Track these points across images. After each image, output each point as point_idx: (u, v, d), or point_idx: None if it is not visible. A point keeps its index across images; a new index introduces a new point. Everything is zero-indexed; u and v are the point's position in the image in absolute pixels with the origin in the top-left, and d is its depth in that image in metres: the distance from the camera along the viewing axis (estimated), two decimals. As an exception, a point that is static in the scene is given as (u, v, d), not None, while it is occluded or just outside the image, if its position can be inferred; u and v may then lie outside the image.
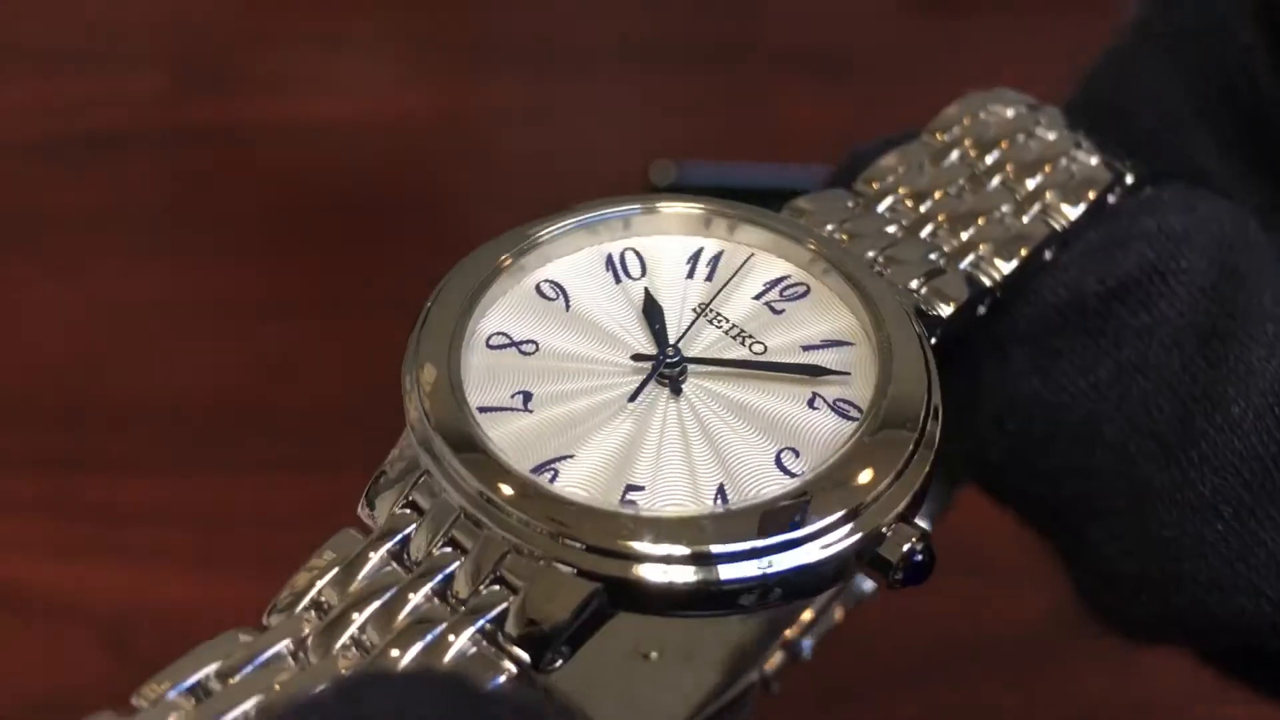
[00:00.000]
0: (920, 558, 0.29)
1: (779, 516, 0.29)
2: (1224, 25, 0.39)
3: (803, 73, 0.72)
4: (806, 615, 0.39)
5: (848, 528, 0.29)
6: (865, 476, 0.30)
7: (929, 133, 0.38)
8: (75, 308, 0.61)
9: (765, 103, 0.71)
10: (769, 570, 0.29)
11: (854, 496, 0.29)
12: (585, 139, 0.69)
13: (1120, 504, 0.35)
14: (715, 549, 0.29)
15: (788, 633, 0.39)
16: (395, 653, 0.28)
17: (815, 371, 0.32)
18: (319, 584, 0.29)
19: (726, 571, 0.29)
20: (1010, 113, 0.38)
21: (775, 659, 0.38)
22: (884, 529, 0.29)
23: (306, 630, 0.29)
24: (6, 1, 0.73)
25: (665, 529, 0.29)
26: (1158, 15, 0.40)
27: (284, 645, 0.28)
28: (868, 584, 0.39)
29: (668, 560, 0.29)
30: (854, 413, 0.32)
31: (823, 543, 0.29)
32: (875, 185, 0.37)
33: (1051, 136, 0.38)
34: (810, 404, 0.32)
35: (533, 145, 0.69)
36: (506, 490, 0.29)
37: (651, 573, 0.28)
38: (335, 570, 0.29)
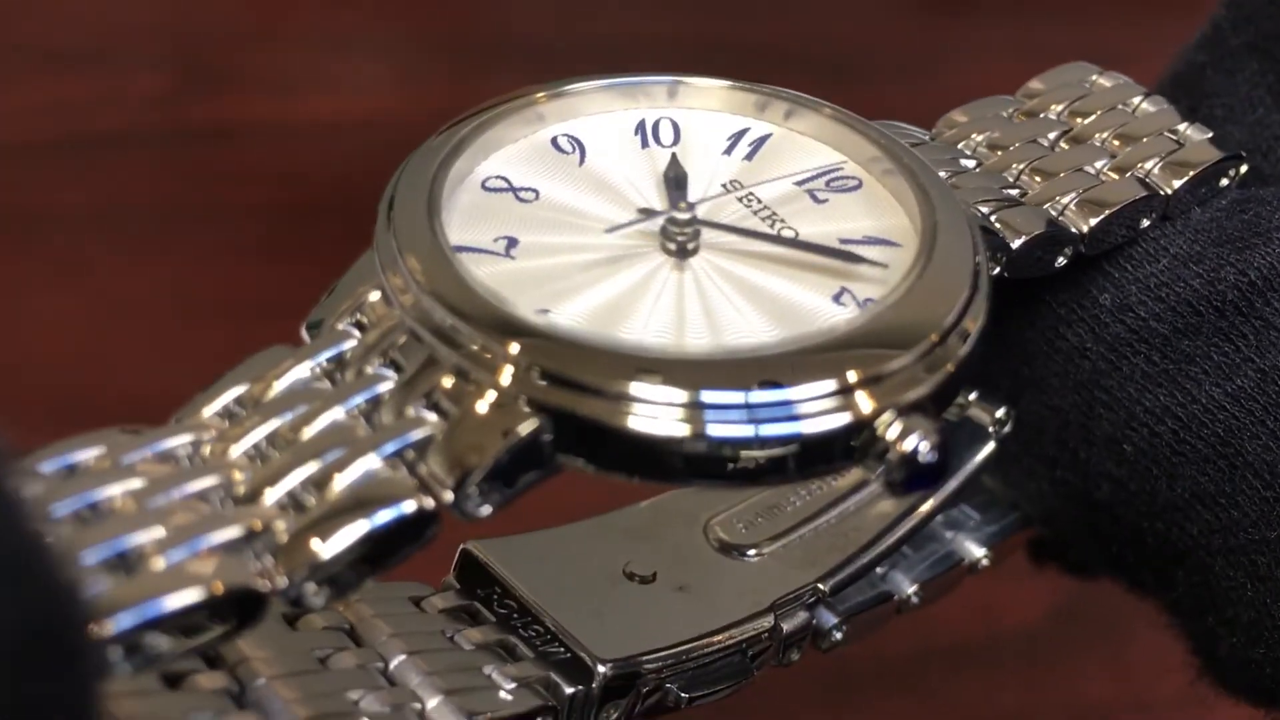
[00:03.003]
0: (928, 458, 0.26)
1: (770, 372, 0.26)
2: None
3: (803, 73, 0.72)
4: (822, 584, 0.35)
5: (839, 399, 0.26)
6: (868, 356, 0.26)
7: (1020, 95, 0.36)
8: (75, 307, 0.61)
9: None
10: (758, 434, 0.25)
11: (847, 369, 0.26)
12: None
13: (1268, 535, 0.31)
14: (706, 396, 0.25)
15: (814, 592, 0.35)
16: (295, 470, 0.25)
17: (849, 259, 0.29)
18: (233, 391, 0.27)
19: (715, 426, 0.25)
20: (1110, 83, 0.36)
21: (795, 620, 0.34)
22: (884, 416, 0.26)
23: (209, 435, 0.26)
24: (7, 1, 0.73)
25: (654, 368, 0.26)
26: (1240, 22, 0.37)
27: (177, 444, 0.26)
28: (908, 587, 0.37)
29: (644, 401, 0.25)
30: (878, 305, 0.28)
31: (815, 409, 0.26)
32: (949, 131, 0.34)
33: (1153, 109, 0.35)
34: (836, 299, 0.29)
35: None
36: (467, 310, 0.26)
37: (624, 414, 0.25)
38: (253, 380, 0.27)
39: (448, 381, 0.26)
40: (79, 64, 0.71)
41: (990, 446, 0.35)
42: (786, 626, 0.34)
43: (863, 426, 0.26)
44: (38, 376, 0.58)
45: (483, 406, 0.26)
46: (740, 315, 0.28)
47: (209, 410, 0.27)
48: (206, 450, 0.26)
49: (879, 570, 0.36)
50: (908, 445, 0.26)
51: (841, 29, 0.75)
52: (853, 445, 0.26)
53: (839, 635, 0.35)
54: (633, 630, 0.33)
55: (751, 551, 0.35)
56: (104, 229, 0.64)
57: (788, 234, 0.30)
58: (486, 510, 0.26)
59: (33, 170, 0.66)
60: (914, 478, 0.26)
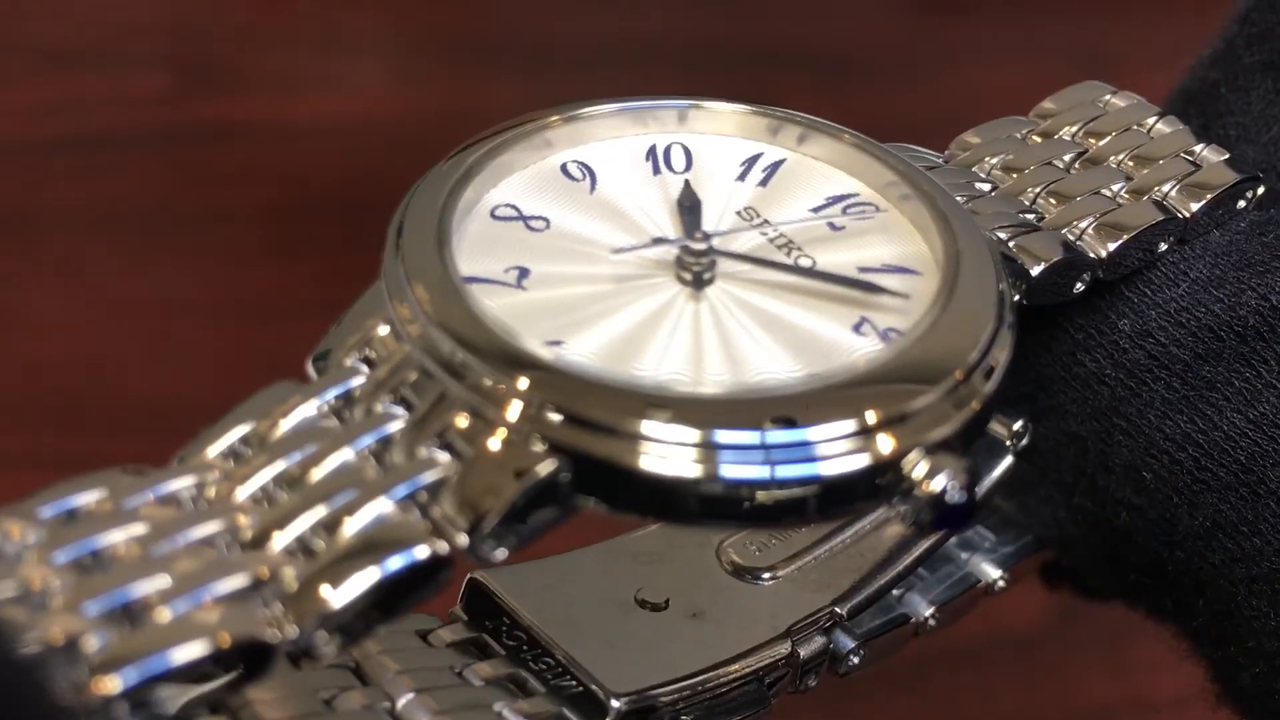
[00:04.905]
0: (957, 498, 0.25)
1: (785, 410, 0.25)
2: None
3: (803, 73, 0.72)
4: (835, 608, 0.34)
5: (860, 440, 0.25)
6: (891, 393, 0.26)
7: (1033, 115, 0.35)
8: (75, 308, 0.61)
9: (765, 103, 0.71)
10: (774, 475, 0.25)
11: (868, 408, 0.25)
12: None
13: None
14: (719, 436, 0.25)
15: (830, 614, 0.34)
16: (303, 514, 0.24)
17: (869, 289, 0.28)
18: (238, 429, 0.26)
19: (729, 467, 0.25)
20: (1123, 103, 0.36)
21: (813, 645, 0.33)
22: (910, 455, 0.25)
23: (214, 476, 0.25)
24: (7, 1, 0.73)
25: (665, 405, 0.25)
26: (1254, 40, 0.36)
27: (181, 485, 0.25)
28: (925, 609, 0.36)
29: (656, 440, 0.25)
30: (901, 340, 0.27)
31: (835, 450, 0.25)
32: (963, 154, 0.34)
33: (1168, 130, 0.35)
34: (857, 329, 0.28)
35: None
36: (476, 342, 0.26)
37: (639, 454, 0.25)
38: (259, 419, 0.26)
39: (461, 420, 0.25)
40: (79, 64, 0.71)
41: (1008, 460, 0.35)
42: (804, 652, 0.33)
43: (888, 466, 0.25)
44: (37, 376, 0.58)
45: (495, 444, 0.25)
46: (759, 347, 0.28)
47: (213, 450, 0.26)
48: (211, 492, 0.25)
49: (895, 593, 0.35)
50: (935, 485, 0.25)
51: (842, 29, 0.75)
52: (878, 484, 0.26)
53: (856, 660, 0.34)
54: (646, 661, 0.32)
55: (766, 575, 0.34)
56: (104, 229, 0.64)
57: (805, 263, 0.29)
58: (502, 553, 0.25)
59: (33, 170, 0.66)
60: (942, 518, 0.25)
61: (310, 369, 0.27)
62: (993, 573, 0.37)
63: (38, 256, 0.63)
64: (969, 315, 0.28)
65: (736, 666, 0.32)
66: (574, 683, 0.31)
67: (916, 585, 0.36)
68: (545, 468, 0.25)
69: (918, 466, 0.25)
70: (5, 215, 0.64)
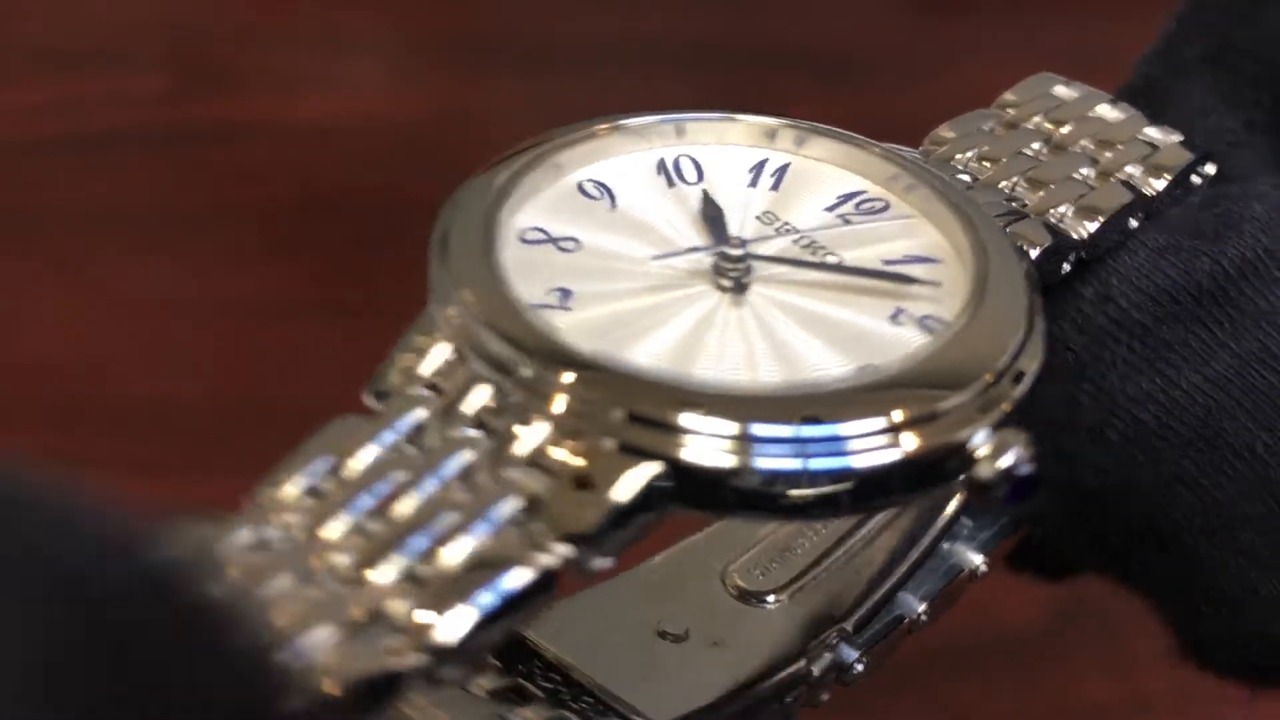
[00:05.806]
0: (1025, 470, 0.26)
1: (826, 405, 0.26)
2: (1276, 40, 0.36)
3: (803, 73, 0.72)
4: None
5: (900, 435, 0.26)
6: (940, 382, 0.27)
7: (995, 107, 0.36)
8: (75, 307, 0.61)
9: (765, 103, 0.71)
10: (807, 466, 0.26)
11: (912, 400, 0.26)
12: (586, 139, 0.69)
13: (1249, 511, 0.32)
14: (756, 430, 0.25)
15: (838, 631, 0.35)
16: (402, 547, 0.24)
17: (903, 280, 0.29)
18: (310, 470, 0.25)
19: (762, 460, 0.25)
20: (1077, 93, 0.36)
21: (823, 661, 0.34)
22: (962, 444, 0.26)
23: (297, 518, 0.25)
24: (7, 1, 0.73)
25: (760, 406, 0.26)
26: (1193, 34, 0.38)
27: (265, 530, 0.25)
28: (917, 606, 0.36)
29: (716, 436, 0.25)
30: (942, 330, 0.28)
31: (876, 444, 0.26)
32: (939, 149, 0.34)
33: (1122, 116, 0.36)
34: (894, 319, 0.29)
35: (533, 145, 0.69)
36: (552, 358, 0.26)
37: (737, 458, 0.25)
38: (329, 457, 0.25)
39: (542, 434, 0.26)
40: (79, 64, 0.71)
41: None
42: (816, 669, 0.34)
43: (959, 448, 0.26)
44: (37, 376, 0.58)
45: (583, 458, 0.25)
46: (807, 346, 0.28)
47: (291, 489, 0.25)
48: (297, 533, 0.25)
49: None
50: (1002, 464, 0.26)
51: (842, 29, 0.75)
52: (947, 467, 0.27)
53: (860, 668, 0.35)
54: (679, 691, 0.32)
55: (771, 597, 0.35)
56: (104, 229, 0.64)
57: (832, 259, 0.30)
58: (607, 563, 0.25)
59: (33, 169, 0.66)
60: (1016, 494, 0.27)
61: (372, 401, 0.27)
62: (975, 558, 0.37)
63: (38, 256, 0.63)
64: (1006, 301, 0.29)
65: (760, 689, 0.33)
66: (616, 719, 0.32)
67: (905, 583, 0.36)
68: (643, 473, 0.25)
69: (983, 446, 0.27)
70: (5, 215, 0.64)
